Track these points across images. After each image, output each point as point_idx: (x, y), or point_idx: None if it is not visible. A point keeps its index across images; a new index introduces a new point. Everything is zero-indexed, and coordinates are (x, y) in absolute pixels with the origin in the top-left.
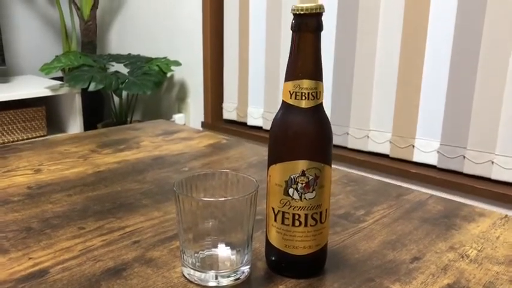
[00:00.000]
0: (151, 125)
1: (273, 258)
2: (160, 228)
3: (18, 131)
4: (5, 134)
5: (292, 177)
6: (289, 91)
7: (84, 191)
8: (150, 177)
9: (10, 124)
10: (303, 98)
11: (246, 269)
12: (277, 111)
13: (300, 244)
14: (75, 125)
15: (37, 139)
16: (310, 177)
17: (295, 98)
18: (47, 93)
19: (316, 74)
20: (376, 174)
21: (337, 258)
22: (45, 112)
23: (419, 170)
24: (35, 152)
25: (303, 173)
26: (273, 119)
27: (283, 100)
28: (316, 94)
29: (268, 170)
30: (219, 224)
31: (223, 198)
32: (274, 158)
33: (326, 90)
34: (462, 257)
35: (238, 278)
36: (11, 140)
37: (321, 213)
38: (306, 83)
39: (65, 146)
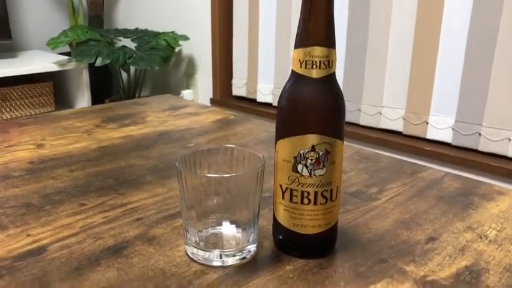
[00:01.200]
0: (158, 100)
1: (281, 237)
2: (164, 205)
3: (26, 107)
4: (12, 109)
5: (301, 152)
6: (299, 59)
7: (86, 167)
8: (155, 153)
9: (17, 100)
10: (314, 66)
11: (252, 247)
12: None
13: (309, 223)
14: (83, 101)
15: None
16: (321, 153)
17: (306, 67)
18: (54, 68)
19: (328, 41)
20: (388, 152)
21: (348, 237)
22: (53, 87)
23: (433, 148)
24: (38, 127)
25: (313, 148)
26: (282, 90)
27: (292, 70)
28: (329, 63)
29: (275, 145)
30: (223, 201)
31: (228, 175)
32: (282, 132)
33: (337, 66)
34: (481, 237)
35: (244, 258)
36: (19, 115)
37: (331, 190)
38: (317, 51)
39: (69, 120)
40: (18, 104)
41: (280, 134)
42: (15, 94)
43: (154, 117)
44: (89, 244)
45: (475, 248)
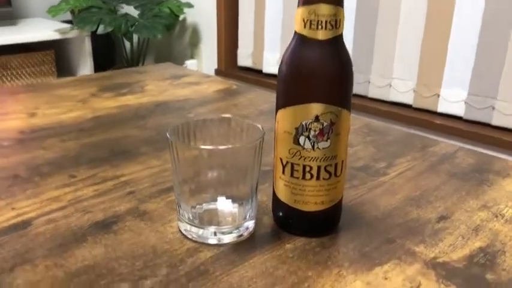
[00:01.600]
0: (159, 69)
1: (281, 214)
2: (159, 178)
3: (28, 76)
4: (13, 78)
5: (303, 123)
6: (303, 19)
7: (79, 137)
8: (152, 123)
9: (19, 68)
10: (320, 27)
11: (249, 224)
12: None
13: (311, 199)
14: (86, 70)
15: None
16: (325, 124)
17: (310, 28)
18: (56, 36)
19: None
20: (398, 125)
21: (353, 215)
22: (55, 56)
23: (444, 122)
24: (33, 95)
25: (317, 119)
26: (283, 54)
27: (295, 31)
28: (336, 23)
29: (276, 114)
30: (218, 175)
31: (223, 147)
32: (283, 101)
33: (346, 36)
34: (496, 216)
35: (241, 235)
36: (20, 85)
37: (336, 165)
38: (323, 8)
39: (66, 89)
40: (19, 72)
41: (281, 103)
42: (16, 63)
43: (153, 86)
44: (77, 218)
45: (490, 228)
